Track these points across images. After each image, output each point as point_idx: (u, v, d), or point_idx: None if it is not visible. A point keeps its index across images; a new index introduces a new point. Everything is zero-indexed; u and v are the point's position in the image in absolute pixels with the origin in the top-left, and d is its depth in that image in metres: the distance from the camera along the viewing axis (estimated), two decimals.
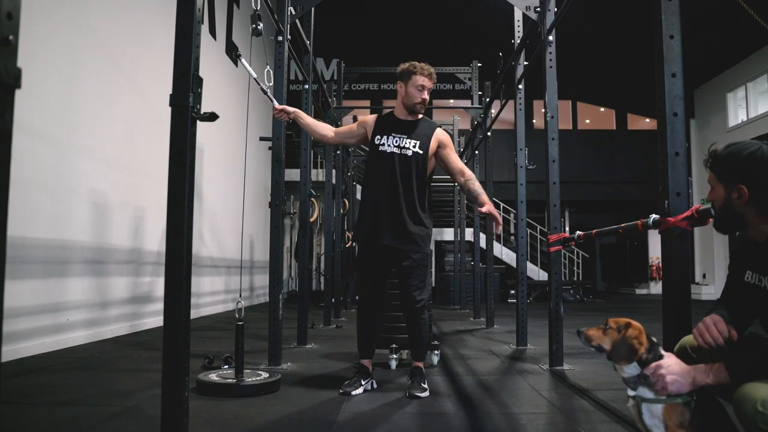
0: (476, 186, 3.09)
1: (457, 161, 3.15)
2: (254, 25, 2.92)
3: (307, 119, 3.20)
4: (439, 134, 3.12)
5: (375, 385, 3.10)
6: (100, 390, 3.00)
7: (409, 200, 3.02)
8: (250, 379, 2.99)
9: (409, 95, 3.06)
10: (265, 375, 3.10)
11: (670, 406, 1.46)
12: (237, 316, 2.95)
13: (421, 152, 3.04)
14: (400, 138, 3.05)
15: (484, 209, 2.96)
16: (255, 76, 2.95)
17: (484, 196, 3.03)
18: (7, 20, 0.83)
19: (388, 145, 3.03)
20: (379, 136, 3.07)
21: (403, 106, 3.11)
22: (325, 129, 3.22)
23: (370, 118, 3.20)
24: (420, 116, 3.15)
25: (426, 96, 3.06)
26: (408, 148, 3.03)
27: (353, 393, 2.93)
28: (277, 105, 3.19)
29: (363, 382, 3.02)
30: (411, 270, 3.00)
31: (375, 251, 3.04)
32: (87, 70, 4.95)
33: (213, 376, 3.05)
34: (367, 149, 3.18)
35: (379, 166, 3.04)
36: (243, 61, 2.91)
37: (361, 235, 3.10)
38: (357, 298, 3.11)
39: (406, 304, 3.04)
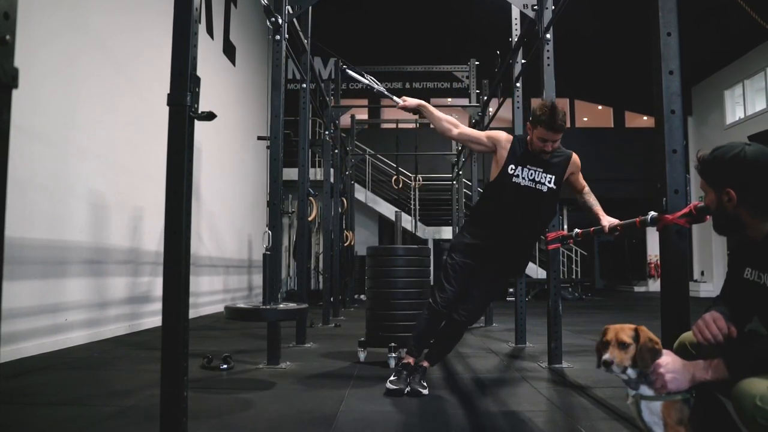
0: (592, 198, 2.96)
1: (582, 181, 3.08)
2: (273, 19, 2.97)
3: (432, 111, 3.08)
4: (575, 160, 3.00)
5: None
6: (99, 390, 3.00)
7: (530, 238, 3.04)
8: (280, 306, 3.20)
9: (533, 142, 2.89)
10: (292, 304, 3.26)
11: (669, 403, 1.46)
12: (264, 245, 3.09)
13: (555, 187, 2.92)
14: (535, 171, 2.90)
15: (605, 224, 2.72)
16: (376, 87, 3.13)
17: (598, 207, 2.85)
18: (3, 20, 0.83)
19: (523, 178, 2.88)
20: (513, 166, 2.90)
21: (530, 146, 2.94)
22: (449, 124, 3.06)
23: (503, 138, 3.01)
24: None
25: (550, 148, 2.86)
26: (544, 184, 2.90)
27: (406, 391, 2.88)
28: (400, 102, 3.12)
29: (409, 380, 2.94)
30: (493, 290, 2.99)
31: (476, 262, 2.97)
32: (85, 70, 4.94)
33: (241, 304, 3.28)
34: (496, 174, 2.99)
35: (510, 197, 2.90)
36: (360, 75, 3.20)
37: (467, 245, 3.00)
38: (433, 298, 3.01)
39: (465, 317, 2.97)
